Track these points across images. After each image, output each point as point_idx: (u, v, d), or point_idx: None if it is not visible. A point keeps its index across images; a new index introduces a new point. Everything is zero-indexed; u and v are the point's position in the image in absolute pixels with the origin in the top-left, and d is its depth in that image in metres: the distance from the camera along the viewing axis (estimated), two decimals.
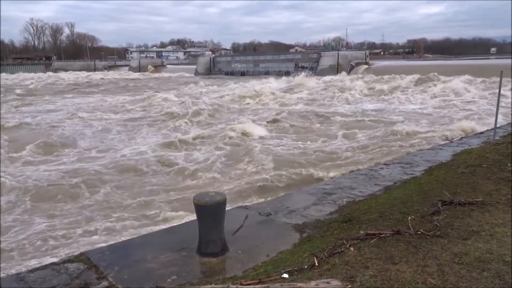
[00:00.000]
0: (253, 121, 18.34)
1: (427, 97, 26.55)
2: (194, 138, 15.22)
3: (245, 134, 15.24)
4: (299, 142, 14.07)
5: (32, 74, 77.42)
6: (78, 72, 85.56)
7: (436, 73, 34.10)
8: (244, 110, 23.00)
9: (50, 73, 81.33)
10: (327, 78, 41.87)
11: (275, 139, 14.86)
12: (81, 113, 22.37)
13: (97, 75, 74.92)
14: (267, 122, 18.11)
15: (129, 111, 23.86)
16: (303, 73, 47.77)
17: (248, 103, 26.29)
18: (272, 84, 36.78)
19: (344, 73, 49.16)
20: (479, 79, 30.38)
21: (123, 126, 18.78)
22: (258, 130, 15.77)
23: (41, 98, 34.67)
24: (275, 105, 25.27)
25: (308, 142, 14.09)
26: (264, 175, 10.13)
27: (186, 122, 18.90)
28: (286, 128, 17.14)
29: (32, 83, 55.00)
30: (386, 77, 37.49)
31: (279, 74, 55.47)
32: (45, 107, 27.31)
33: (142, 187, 9.85)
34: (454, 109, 21.41)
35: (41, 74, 77.72)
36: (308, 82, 37.79)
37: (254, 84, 37.11)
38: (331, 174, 9.78)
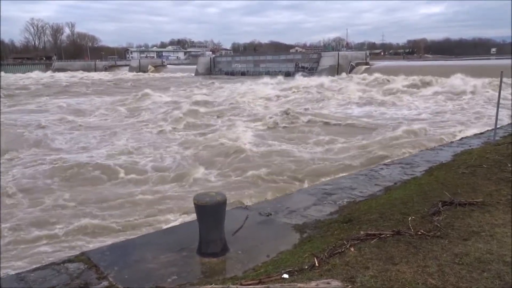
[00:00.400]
0: (235, 125, 17.77)
1: (423, 100, 25.95)
2: (170, 142, 14.83)
3: (223, 139, 14.69)
4: (277, 147, 13.45)
5: (28, 74, 77.32)
6: (75, 72, 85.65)
7: (434, 76, 34.14)
8: (230, 113, 22.20)
9: (48, 73, 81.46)
10: (324, 79, 40.99)
11: (254, 143, 14.19)
12: (62, 115, 21.85)
13: (95, 75, 75.14)
14: (249, 126, 17.46)
15: (112, 113, 23.37)
16: (297, 75, 47.57)
17: (237, 106, 25.26)
18: (267, 85, 36.35)
19: (344, 74, 49.24)
20: (479, 80, 30.22)
21: (101, 129, 18.32)
22: (238, 136, 15.23)
23: (30, 98, 34.38)
24: (263, 109, 24.61)
25: (284, 146, 13.65)
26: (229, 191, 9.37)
27: (168, 126, 18.22)
28: (267, 132, 16.53)
29: (30, 83, 55.01)
30: (383, 78, 37.34)
31: (279, 74, 55.46)
32: (28, 108, 26.80)
33: (88, 198, 9.08)
34: (448, 115, 20.35)
35: (37, 74, 77.58)
36: (303, 83, 37.12)
37: (249, 85, 36.92)
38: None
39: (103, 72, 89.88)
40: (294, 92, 32.33)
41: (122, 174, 10.89)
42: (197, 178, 10.59)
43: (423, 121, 18.52)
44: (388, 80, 35.65)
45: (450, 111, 21.33)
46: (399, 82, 34.27)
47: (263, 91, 32.21)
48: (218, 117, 21.13)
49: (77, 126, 18.99)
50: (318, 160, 11.81)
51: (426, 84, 32.20)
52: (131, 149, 13.75)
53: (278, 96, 30.15)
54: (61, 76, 73.24)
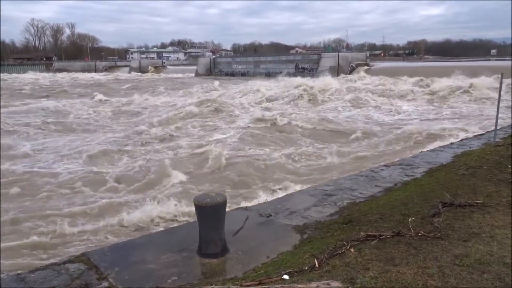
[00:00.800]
0: (213, 131, 17.27)
1: (417, 103, 25.40)
2: (143, 145, 14.51)
3: (197, 147, 14.13)
4: (249, 154, 12.98)
5: (25, 75, 77.26)
6: (69, 73, 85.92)
7: (433, 76, 34.01)
8: (210, 119, 21.29)
9: (44, 74, 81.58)
10: (320, 80, 39.35)
11: (228, 150, 13.56)
12: (42, 118, 21.24)
13: (94, 76, 75.53)
14: (227, 132, 16.82)
15: (94, 116, 22.85)
16: (281, 76, 46.78)
17: (221, 109, 24.17)
18: (260, 86, 35.47)
19: (342, 74, 49.31)
20: (478, 81, 29.95)
21: (76, 132, 17.88)
22: (212, 142, 14.65)
23: (21, 99, 33.91)
24: (248, 111, 23.94)
25: (257, 151, 13.18)
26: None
27: (144, 132, 17.40)
28: (243, 138, 15.71)
29: (25, 84, 54.89)
30: (380, 81, 36.89)
31: (279, 74, 55.39)
32: (11, 110, 25.94)
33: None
34: (442, 119, 19.29)
35: (34, 75, 77.56)
36: (294, 84, 36.00)
37: (243, 87, 36.39)
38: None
39: (103, 73, 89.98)
40: (282, 97, 31.06)
41: (79, 187, 10.13)
42: (157, 190, 9.97)
43: (411, 125, 17.26)
44: (384, 84, 34.96)
45: (444, 115, 20.70)
46: (397, 84, 34.00)
47: (255, 94, 31.78)
48: (199, 121, 20.37)
49: (52, 130, 18.47)
50: (282, 171, 11.33)
51: (424, 86, 31.89)
52: (97, 156, 13.09)
53: (266, 99, 29.39)
54: (61, 76, 73.34)
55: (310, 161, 12.53)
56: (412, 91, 30.41)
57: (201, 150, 13.66)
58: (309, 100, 28.26)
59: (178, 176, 10.82)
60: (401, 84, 34.68)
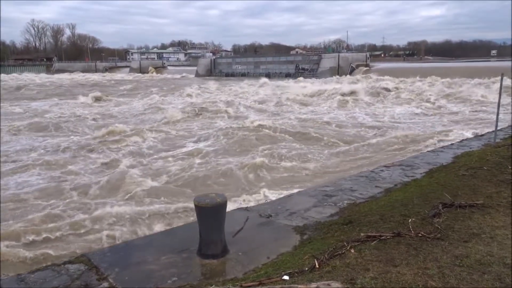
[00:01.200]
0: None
1: (411, 105, 24.58)
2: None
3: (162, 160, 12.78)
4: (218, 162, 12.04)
5: (22, 75, 77.27)
6: (75, 74, 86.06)
7: (433, 76, 33.99)
8: (195, 123, 20.10)
9: (45, 74, 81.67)
10: (317, 83, 38.72)
11: (201, 156, 12.81)
12: (23, 121, 20.17)
13: (91, 77, 75.57)
14: (201, 140, 15.65)
15: (74, 118, 21.92)
16: (282, 75, 46.00)
17: (206, 109, 23.45)
18: (252, 88, 35.11)
19: (342, 75, 49.38)
20: (476, 82, 29.73)
21: (47, 131, 17.16)
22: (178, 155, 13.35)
23: (15, 100, 33.33)
24: (241, 109, 23.42)
25: (223, 160, 12.22)
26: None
27: (116, 136, 16.05)
28: (220, 143, 14.73)
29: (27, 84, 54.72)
30: (379, 81, 36.55)
31: (279, 75, 55.45)
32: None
33: None
34: (432, 124, 18.15)
35: (33, 75, 77.66)
36: (290, 87, 35.25)
37: (235, 89, 36.04)
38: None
39: (102, 74, 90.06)
40: (276, 96, 30.46)
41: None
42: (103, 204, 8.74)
43: (398, 129, 16.32)
44: (381, 85, 34.54)
45: (439, 118, 19.89)
46: (395, 84, 33.87)
47: (247, 96, 31.24)
48: (179, 125, 19.33)
49: (24, 133, 17.48)
50: (247, 183, 10.37)
51: (422, 87, 31.60)
52: (56, 163, 12.00)
53: (256, 102, 28.40)
54: (55, 77, 73.22)
55: (275, 173, 11.22)
56: (409, 92, 30.06)
57: (170, 159, 12.62)
58: (301, 104, 27.26)
59: (135, 189, 9.63)
60: (398, 83, 34.58)
